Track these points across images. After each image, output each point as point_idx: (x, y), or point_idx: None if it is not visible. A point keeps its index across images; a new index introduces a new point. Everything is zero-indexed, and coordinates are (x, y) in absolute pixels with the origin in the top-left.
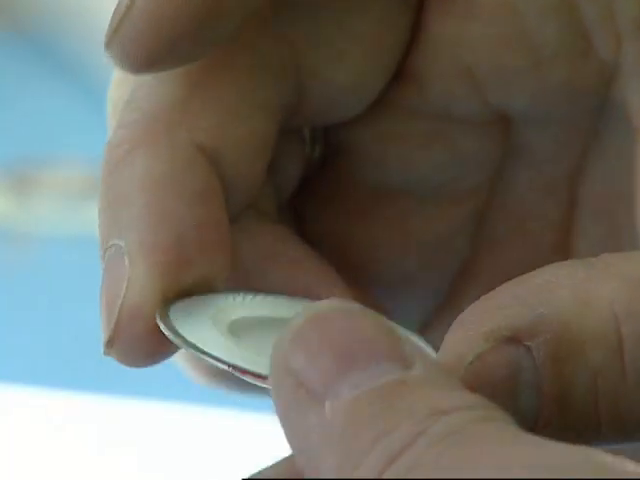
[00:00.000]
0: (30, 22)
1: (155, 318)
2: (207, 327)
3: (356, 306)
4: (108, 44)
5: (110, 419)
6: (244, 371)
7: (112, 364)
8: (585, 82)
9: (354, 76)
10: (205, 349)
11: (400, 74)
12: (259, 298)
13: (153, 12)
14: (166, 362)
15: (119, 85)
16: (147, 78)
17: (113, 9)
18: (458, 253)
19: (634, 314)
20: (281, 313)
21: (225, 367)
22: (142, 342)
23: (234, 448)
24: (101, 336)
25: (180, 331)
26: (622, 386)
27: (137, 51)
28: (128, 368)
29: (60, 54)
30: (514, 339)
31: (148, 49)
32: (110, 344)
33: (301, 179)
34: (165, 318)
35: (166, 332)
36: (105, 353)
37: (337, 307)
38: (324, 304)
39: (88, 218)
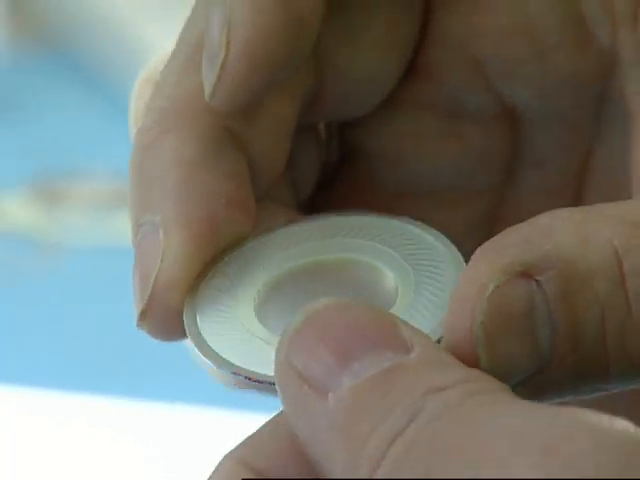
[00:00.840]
0: (56, 37)
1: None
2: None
3: (353, 300)
4: (212, 96)
5: (120, 421)
6: (251, 378)
7: (137, 369)
8: (587, 72)
9: (368, 70)
10: (233, 362)
11: (411, 70)
12: (289, 251)
13: (250, 52)
14: (171, 365)
15: (143, 86)
16: (174, 67)
17: (138, 22)
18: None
19: (633, 249)
20: (307, 258)
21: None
22: (176, 313)
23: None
24: (130, 341)
25: (203, 333)
26: (629, 321)
27: (240, 92)
28: (146, 372)
29: (86, 68)
30: (526, 274)
31: (251, 88)
32: (143, 316)
33: (319, 179)
34: (189, 312)
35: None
36: (138, 326)
37: (333, 303)
38: (321, 302)
39: (115, 229)
